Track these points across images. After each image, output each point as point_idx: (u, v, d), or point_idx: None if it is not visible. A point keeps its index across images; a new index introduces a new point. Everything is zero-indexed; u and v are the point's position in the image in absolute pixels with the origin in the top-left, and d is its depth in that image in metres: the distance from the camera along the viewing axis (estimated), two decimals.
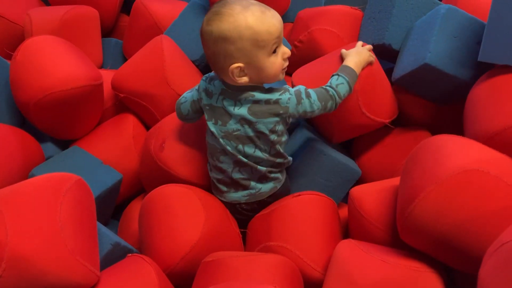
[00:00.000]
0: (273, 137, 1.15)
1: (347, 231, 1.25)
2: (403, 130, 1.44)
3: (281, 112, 1.12)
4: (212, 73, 1.19)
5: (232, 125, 1.14)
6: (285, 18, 1.82)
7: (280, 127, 1.15)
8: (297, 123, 1.46)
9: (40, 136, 1.50)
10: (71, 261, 0.89)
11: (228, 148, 1.16)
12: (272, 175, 1.21)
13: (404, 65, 1.33)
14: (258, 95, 1.11)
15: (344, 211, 1.28)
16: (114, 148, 1.48)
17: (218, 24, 1.05)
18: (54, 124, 1.45)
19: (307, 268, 1.09)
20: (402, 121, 1.49)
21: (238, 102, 1.13)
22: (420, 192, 0.89)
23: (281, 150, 1.19)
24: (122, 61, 1.85)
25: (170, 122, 1.38)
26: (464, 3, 1.47)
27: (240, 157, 1.16)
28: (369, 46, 1.29)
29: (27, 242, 0.86)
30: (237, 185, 1.21)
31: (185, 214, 1.14)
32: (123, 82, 1.50)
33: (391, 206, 1.08)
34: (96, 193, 1.29)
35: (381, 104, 1.33)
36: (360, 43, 1.30)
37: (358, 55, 1.24)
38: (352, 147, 1.54)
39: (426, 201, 0.88)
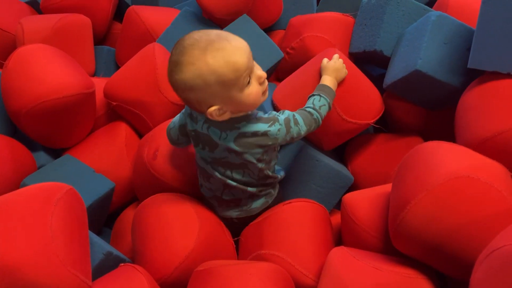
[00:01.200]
0: (261, 165, 1.13)
1: (340, 237, 1.25)
2: (395, 136, 1.45)
3: (269, 143, 1.08)
4: None
5: (220, 153, 1.11)
6: (277, 25, 1.83)
7: (267, 156, 1.13)
8: None
9: (32, 145, 1.49)
10: (62, 271, 0.88)
11: (216, 173, 1.15)
12: (263, 192, 1.21)
13: (395, 72, 1.33)
14: (244, 128, 1.06)
15: (337, 218, 1.28)
16: (106, 156, 1.48)
17: (180, 75, 0.97)
18: (46, 133, 1.45)
19: (300, 275, 1.09)
20: (394, 127, 1.49)
21: (223, 133, 1.08)
22: (412, 199, 0.89)
23: (270, 173, 1.17)
24: (114, 69, 1.85)
25: (164, 130, 1.37)
26: (454, 10, 1.49)
27: (229, 181, 1.15)
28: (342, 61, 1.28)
29: (18, 252, 0.85)
30: (228, 203, 1.21)
31: (179, 223, 1.14)
32: (115, 90, 1.50)
33: (383, 213, 1.08)
34: (89, 202, 1.28)
35: (361, 106, 1.33)
36: (336, 56, 1.27)
37: (335, 72, 1.24)
38: (344, 153, 1.54)
39: (418, 208, 0.89)
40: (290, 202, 1.21)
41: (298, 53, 1.60)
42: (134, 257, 1.18)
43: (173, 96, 1.48)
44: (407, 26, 1.42)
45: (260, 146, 1.08)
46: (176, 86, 1.01)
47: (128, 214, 1.45)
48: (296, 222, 1.16)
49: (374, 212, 1.10)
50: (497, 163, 0.93)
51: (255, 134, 1.06)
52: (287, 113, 1.11)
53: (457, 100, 1.21)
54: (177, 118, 1.22)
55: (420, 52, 1.23)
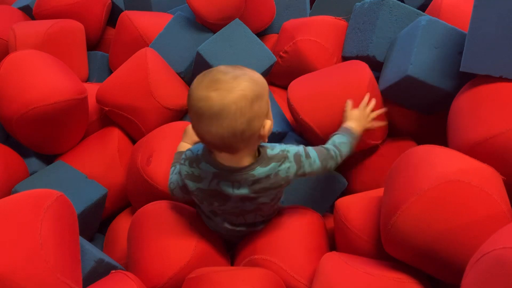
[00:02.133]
0: (274, 202, 1.11)
1: (334, 242, 1.25)
2: (389, 140, 1.45)
3: (282, 183, 1.04)
4: (191, 155, 1.05)
5: (232, 204, 1.07)
6: (269, 29, 1.83)
7: (280, 193, 1.11)
8: (285, 132, 1.46)
9: (24, 151, 1.49)
10: (52, 278, 0.88)
11: (226, 224, 1.13)
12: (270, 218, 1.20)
13: (388, 77, 1.33)
14: (258, 173, 1.01)
15: (330, 222, 1.28)
16: (99, 162, 1.48)
17: (245, 84, 0.91)
18: (38, 139, 1.44)
19: (292, 280, 1.08)
20: (388, 131, 1.49)
21: (236, 183, 1.02)
22: (403, 204, 0.89)
23: (278, 205, 1.17)
24: (108, 74, 1.85)
25: (158, 136, 1.37)
26: (447, 14, 1.49)
27: (239, 228, 1.15)
28: (374, 112, 1.26)
29: (6, 260, 0.84)
30: (233, 231, 1.19)
31: (177, 234, 1.13)
32: (108, 96, 1.49)
33: (376, 217, 1.08)
34: (81, 208, 1.28)
35: (377, 129, 1.32)
36: (364, 102, 1.24)
37: (358, 121, 1.21)
38: None
39: (408, 213, 0.89)
40: (284, 209, 1.20)
41: (291, 56, 1.60)
42: (128, 264, 1.17)
43: (165, 101, 1.48)
44: (399, 31, 1.42)
45: (274, 188, 1.05)
46: (245, 100, 0.90)
47: (121, 221, 1.44)
48: (289, 228, 1.16)
49: (366, 216, 1.10)
50: (488, 167, 0.93)
51: (267, 177, 1.02)
52: (296, 148, 1.05)
53: (450, 103, 1.21)
54: (174, 178, 1.13)
55: (411, 57, 1.23)
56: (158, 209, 1.17)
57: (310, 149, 1.07)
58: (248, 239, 1.19)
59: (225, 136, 0.91)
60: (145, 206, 1.19)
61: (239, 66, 0.96)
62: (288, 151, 1.03)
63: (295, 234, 1.15)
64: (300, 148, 1.06)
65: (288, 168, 1.02)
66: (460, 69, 1.13)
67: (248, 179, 1.01)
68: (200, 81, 0.93)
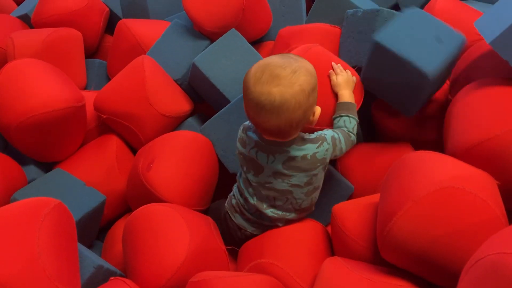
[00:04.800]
0: (308, 190, 1.15)
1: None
2: (386, 145, 1.45)
3: (318, 165, 1.11)
4: (247, 123, 1.18)
5: (264, 178, 1.14)
6: (266, 36, 1.84)
7: (316, 179, 1.15)
8: None
9: (22, 159, 1.49)
10: (50, 286, 0.88)
11: (256, 198, 1.17)
12: (296, 219, 1.23)
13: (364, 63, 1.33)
14: (294, 151, 1.09)
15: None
16: (97, 169, 1.48)
17: (303, 78, 1.00)
18: (36, 147, 1.45)
19: (297, 286, 1.09)
20: (384, 136, 1.50)
21: (271, 156, 1.11)
22: (398, 210, 0.90)
23: (313, 201, 1.20)
24: (106, 81, 1.85)
25: (161, 143, 1.38)
26: (440, 17, 1.50)
27: (266, 207, 1.18)
28: (348, 70, 1.30)
29: (4, 268, 0.85)
30: (253, 221, 1.23)
31: (169, 234, 1.13)
32: (105, 103, 1.50)
33: (372, 223, 1.08)
34: (79, 215, 1.28)
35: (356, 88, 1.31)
36: (339, 67, 1.28)
37: (348, 84, 1.25)
38: (336, 163, 1.54)
39: (404, 219, 0.89)
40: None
41: None
42: (126, 269, 1.18)
43: (163, 108, 1.48)
44: None
45: (309, 170, 1.11)
46: (303, 92, 1.00)
47: (120, 226, 1.44)
48: (297, 237, 1.19)
49: (363, 222, 1.11)
50: (482, 172, 0.94)
51: (304, 158, 1.09)
52: (331, 131, 1.14)
53: (425, 96, 1.20)
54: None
55: (384, 29, 1.23)
56: (149, 212, 1.18)
57: (340, 134, 1.15)
58: (255, 242, 1.21)
59: (282, 126, 1.02)
60: (136, 210, 1.19)
61: (291, 55, 1.04)
62: (325, 134, 1.12)
63: (302, 243, 1.17)
64: (334, 132, 1.14)
65: (326, 150, 1.11)
66: (488, 42, 1.10)
67: (283, 156, 1.09)
68: (259, 76, 0.99)
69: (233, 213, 1.26)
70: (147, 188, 1.30)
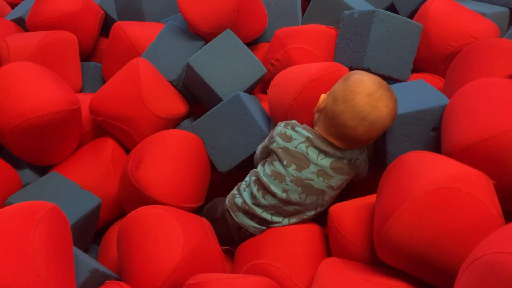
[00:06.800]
0: (335, 193, 1.21)
1: None
2: None
3: (352, 171, 1.18)
4: (291, 121, 1.22)
5: (307, 174, 1.17)
6: (262, 38, 1.84)
7: (346, 185, 1.22)
8: None
9: (17, 163, 1.48)
10: None
11: (286, 194, 1.18)
12: (310, 218, 1.25)
13: None
14: (344, 154, 1.16)
15: None
16: (93, 172, 1.47)
17: (394, 104, 1.11)
18: (31, 150, 1.44)
19: (294, 286, 1.09)
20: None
21: (322, 153, 1.16)
22: (395, 211, 0.90)
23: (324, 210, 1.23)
24: (101, 84, 1.84)
25: (150, 142, 1.38)
26: (434, 21, 1.51)
27: (292, 205, 1.20)
28: None
29: None
30: (261, 220, 1.23)
31: (163, 236, 1.12)
32: (100, 106, 1.50)
33: (369, 224, 1.08)
34: (75, 218, 1.28)
35: None
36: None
37: None
38: None
39: (400, 220, 0.89)
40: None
41: (283, 64, 1.61)
42: (121, 273, 1.17)
43: (158, 110, 1.48)
44: (391, 41, 1.44)
45: (349, 173, 1.19)
46: (394, 110, 1.11)
47: (115, 230, 1.43)
48: (294, 238, 1.19)
49: (360, 223, 1.10)
50: (478, 172, 0.93)
51: (350, 160, 1.17)
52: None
53: None
54: (260, 146, 1.31)
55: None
56: (143, 215, 1.17)
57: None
58: (251, 242, 1.21)
59: (363, 137, 1.11)
60: (130, 213, 1.19)
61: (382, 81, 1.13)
62: (364, 149, 1.20)
63: (300, 244, 1.17)
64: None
65: (363, 160, 1.19)
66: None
67: (334, 156, 1.16)
68: (375, 89, 1.09)
69: (235, 212, 1.26)
70: (136, 188, 1.29)
